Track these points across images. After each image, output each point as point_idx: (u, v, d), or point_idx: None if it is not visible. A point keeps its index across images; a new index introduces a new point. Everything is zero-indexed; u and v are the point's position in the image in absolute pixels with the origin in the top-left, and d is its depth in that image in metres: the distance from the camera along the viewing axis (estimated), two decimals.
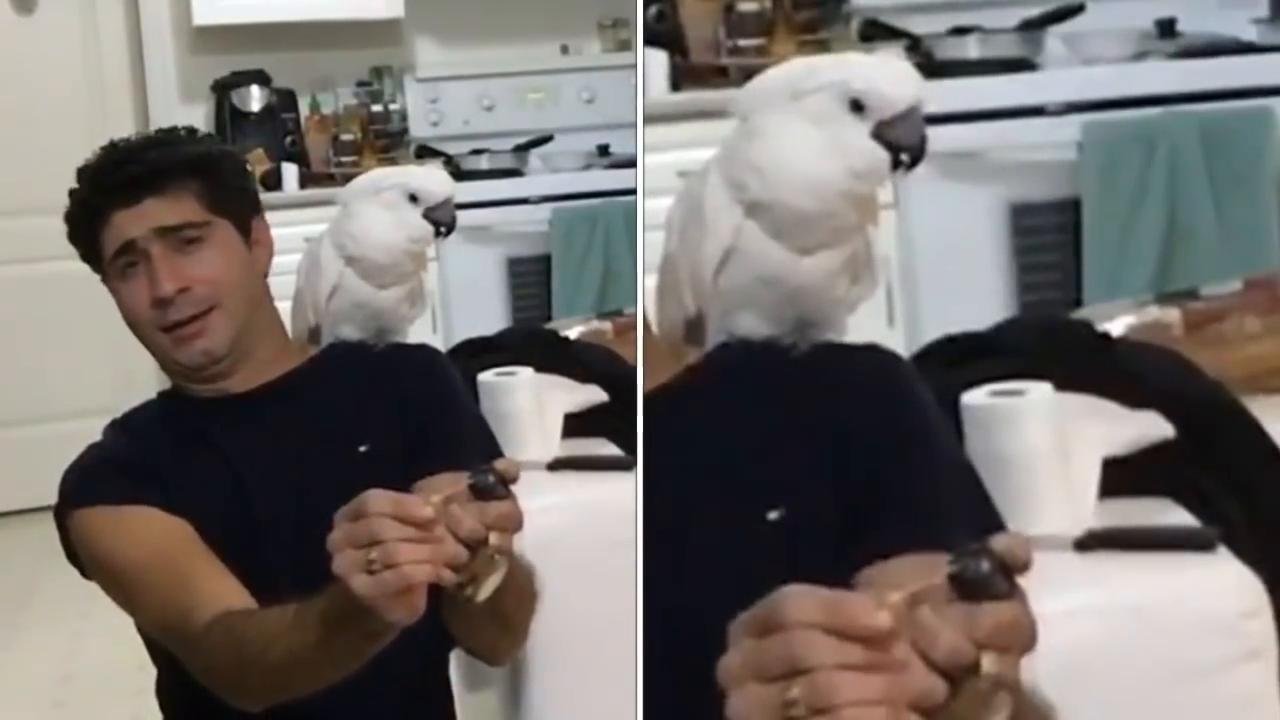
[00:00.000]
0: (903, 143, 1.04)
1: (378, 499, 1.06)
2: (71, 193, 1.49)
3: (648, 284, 1.13)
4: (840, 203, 1.06)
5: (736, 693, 0.69)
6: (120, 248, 1.44)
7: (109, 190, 1.45)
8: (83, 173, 1.49)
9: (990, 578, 0.71)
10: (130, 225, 1.44)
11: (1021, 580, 0.72)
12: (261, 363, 1.49)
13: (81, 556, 1.43)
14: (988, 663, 0.70)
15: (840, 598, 0.69)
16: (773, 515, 1.05)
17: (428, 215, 1.56)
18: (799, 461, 1.07)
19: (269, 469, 1.44)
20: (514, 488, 1.09)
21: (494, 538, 1.07)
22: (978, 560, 0.71)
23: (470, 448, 1.44)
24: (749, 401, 1.10)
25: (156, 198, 1.44)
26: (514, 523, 1.08)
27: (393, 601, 1.05)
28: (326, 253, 1.61)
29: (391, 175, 1.61)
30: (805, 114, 1.05)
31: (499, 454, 1.49)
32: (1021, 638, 0.71)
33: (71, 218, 1.49)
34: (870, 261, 1.12)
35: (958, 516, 1.03)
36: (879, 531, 1.00)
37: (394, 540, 1.04)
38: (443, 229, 1.56)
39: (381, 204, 1.57)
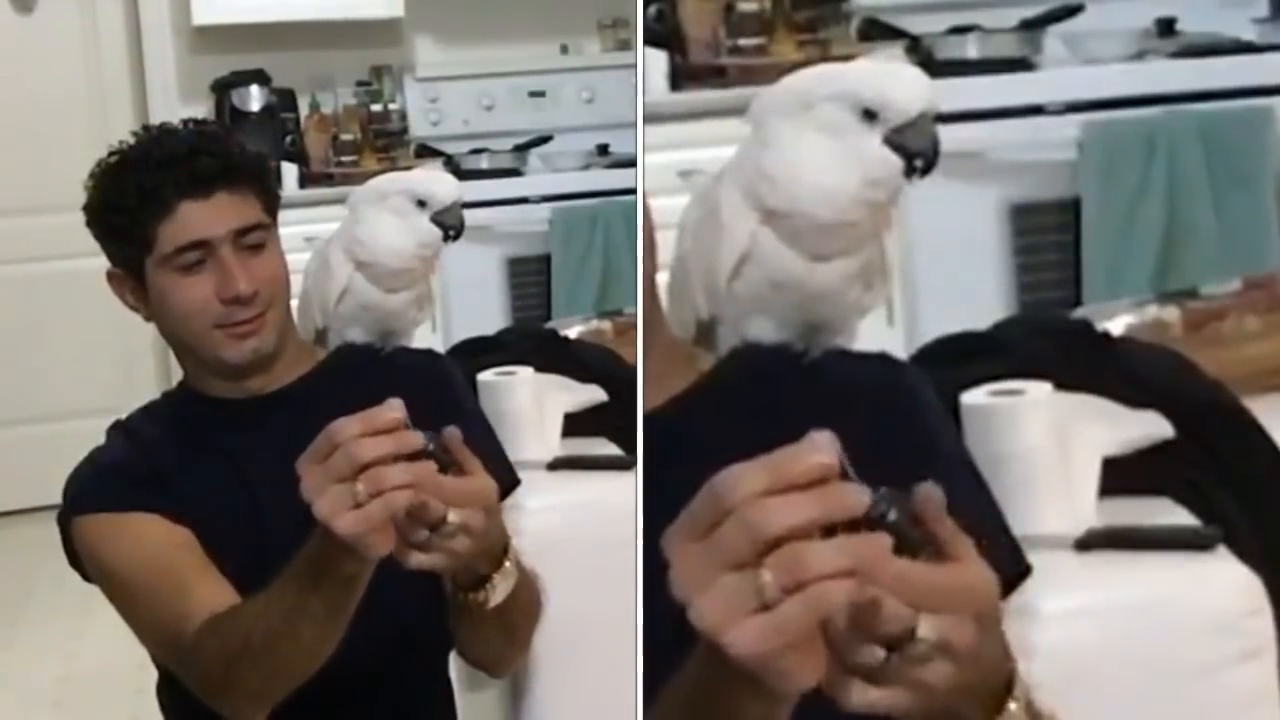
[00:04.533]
0: (914, 149, 1.04)
1: (343, 424, 1.05)
2: (119, 176, 1.41)
3: (657, 282, 1.13)
4: (856, 211, 1.06)
5: (702, 596, 0.66)
6: (190, 244, 1.39)
7: (181, 181, 1.38)
8: (141, 160, 1.41)
9: (898, 526, 0.69)
10: (204, 221, 1.39)
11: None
12: (283, 366, 1.48)
13: (84, 562, 1.43)
14: (925, 628, 0.68)
15: (771, 456, 0.67)
16: None
17: (435, 219, 1.56)
18: None
19: (278, 475, 1.43)
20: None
21: (453, 514, 1.08)
22: (888, 505, 0.69)
23: (477, 454, 1.44)
24: (759, 406, 1.10)
25: (228, 193, 1.40)
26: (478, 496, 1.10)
27: (375, 536, 1.05)
28: (336, 256, 1.61)
29: (398, 180, 1.60)
30: (817, 123, 1.05)
31: (504, 459, 1.49)
32: (959, 601, 0.69)
33: (115, 204, 1.41)
34: (884, 269, 1.12)
35: (964, 521, 1.03)
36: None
37: (374, 461, 1.04)
38: (451, 233, 1.56)
39: (389, 209, 1.57)
